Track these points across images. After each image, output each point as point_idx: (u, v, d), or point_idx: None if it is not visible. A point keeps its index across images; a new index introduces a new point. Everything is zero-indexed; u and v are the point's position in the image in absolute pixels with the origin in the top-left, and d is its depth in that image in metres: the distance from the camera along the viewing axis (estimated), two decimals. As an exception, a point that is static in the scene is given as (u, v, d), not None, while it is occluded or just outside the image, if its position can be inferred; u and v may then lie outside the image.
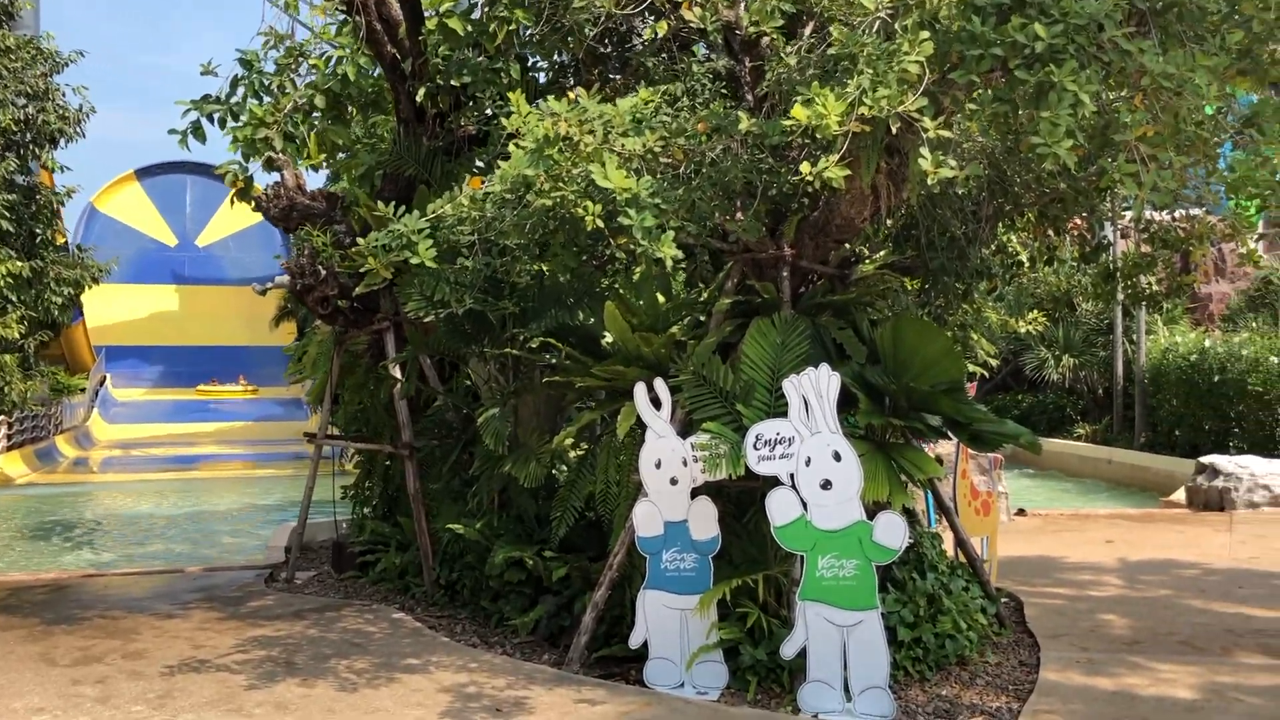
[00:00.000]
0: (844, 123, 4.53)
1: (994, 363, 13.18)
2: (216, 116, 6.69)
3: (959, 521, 7.38)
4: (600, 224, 5.19)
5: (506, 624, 7.21)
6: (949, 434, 6.43)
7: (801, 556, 5.59)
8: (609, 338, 7.22)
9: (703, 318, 7.20)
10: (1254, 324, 25.28)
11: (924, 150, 4.67)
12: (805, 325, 6.64)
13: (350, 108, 9.73)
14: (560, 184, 5.06)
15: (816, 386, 5.57)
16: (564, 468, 7.80)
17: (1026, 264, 8.93)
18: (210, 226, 44.64)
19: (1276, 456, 15.72)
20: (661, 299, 7.47)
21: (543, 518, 7.43)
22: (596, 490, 6.89)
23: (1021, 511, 13.02)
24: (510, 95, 5.23)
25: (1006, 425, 6.45)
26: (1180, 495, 13.89)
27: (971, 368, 12.94)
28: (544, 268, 7.35)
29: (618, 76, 8.23)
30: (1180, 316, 25.00)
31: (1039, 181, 7.09)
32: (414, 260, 5.24)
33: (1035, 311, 14.23)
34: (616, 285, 8.06)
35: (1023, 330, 13.17)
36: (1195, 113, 5.16)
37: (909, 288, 8.94)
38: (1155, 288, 8.69)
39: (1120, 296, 8.97)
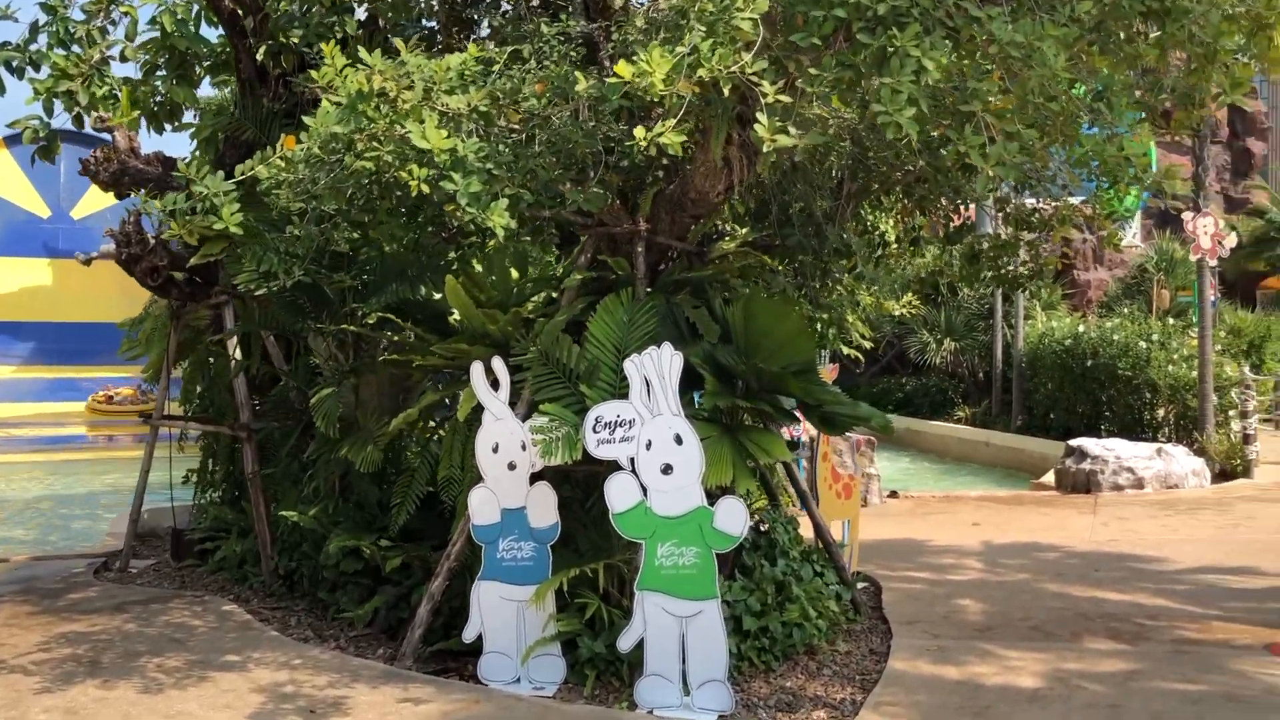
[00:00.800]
0: (673, 83, 4.22)
1: (869, 345, 13.11)
2: (15, 64, 6.09)
3: (815, 505, 7.20)
4: (426, 189, 4.81)
5: (343, 616, 6.80)
6: (798, 416, 6.23)
7: (642, 544, 5.32)
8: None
9: (555, 294, 6.87)
10: (1129, 311, 26.01)
11: (760, 116, 4.39)
12: (657, 303, 6.36)
13: (198, 67, 9.16)
14: (378, 144, 4.66)
15: (659, 366, 5.29)
16: (413, 452, 7.41)
17: (893, 245, 8.80)
18: (87, 198, 42.56)
19: (1143, 440, 16.11)
20: (515, 274, 7.12)
21: (386, 504, 7.02)
22: (440, 475, 6.53)
23: (894, 494, 13.03)
24: (325, 47, 4.79)
25: (859, 408, 6.27)
26: (1050, 478, 14.07)
27: (847, 350, 12.88)
28: (400, 238, 6.93)
29: (486, 40, 7.83)
30: (1058, 302, 25.57)
31: (898, 158, 6.91)
32: (218, 226, 4.78)
33: (910, 294, 14.27)
34: (470, 258, 7.69)
35: (897, 313, 13.08)
36: (1050, 86, 5.00)
37: (781, 268, 8.77)
38: (1020, 271, 8.63)
39: (985, 279, 8.88)
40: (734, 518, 5.20)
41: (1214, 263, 14.48)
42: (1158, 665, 5.91)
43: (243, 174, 4.97)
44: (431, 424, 7.55)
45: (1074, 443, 13.84)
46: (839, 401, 6.11)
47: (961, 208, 8.66)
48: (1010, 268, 8.58)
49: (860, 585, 7.95)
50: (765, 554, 6.40)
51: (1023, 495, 13.22)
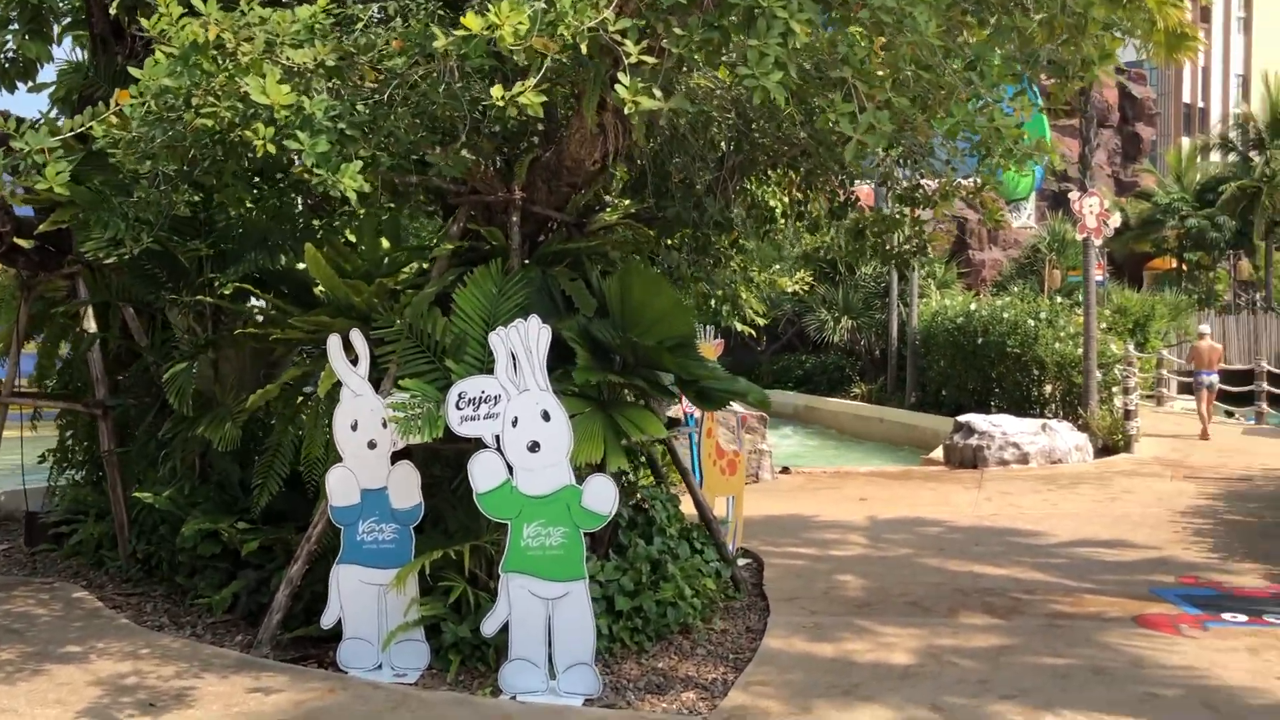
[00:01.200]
0: (526, 38, 3.99)
1: (764, 322, 13.07)
2: None
3: (696, 482, 7.07)
4: (273, 150, 4.50)
5: (201, 602, 6.46)
6: (676, 392, 6.08)
7: (508, 525, 5.12)
8: (325, 286, 6.52)
9: (427, 266, 6.61)
10: (1017, 289, 26.61)
11: (622, 76, 4.19)
12: (532, 275, 6.15)
13: (55, 23, 8.62)
14: (215, 100, 4.33)
15: (525, 340, 5.08)
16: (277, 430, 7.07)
17: (781, 220, 8.71)
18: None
19: (1032, 416, 16.44)
20: (386, 244, 6.82)
21: (249, 484, 6.69)
22: (303, 455, 6.24)
23: (786, 469, 13.05)
24: (160, -7, 4.44)
25: (737, 383, 6.16)
26: (939, 453, 14.26)
27: (741, 327, 12.82)
28: (248, 203, 6.57)
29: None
30: (953, 281, 26.03)
31: (779, 129, 6.79)
32: (41, 186, 4.41)
33: (804, 272, 14.27)
34: (343, 227, 7.36)
35: (790, 289, 13.06)
36: (923, 54, 4.90)
37: (672, 242, 8.62)
38: (905, 247, 8.62)
39: (870, 255, 8.85)
40: (603, 496, 5.03)
41: (1099, 242, 14.79)
42: (1029, 639, 5.93)
43: (71, 130, 4.59)
44: (301, 400, 7.23)
45: (962, 419, 14.04)
46: (715, 377, 5.98)
47: (854, 184, 8.63)
48: (895, 244, 8.57)
49: (743, 562, 7.89)
50: (642, 532, 6.26)
51: (912, 471, 13.36)
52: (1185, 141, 43.38)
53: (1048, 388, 16.63)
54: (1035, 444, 13.29)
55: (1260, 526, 9.16)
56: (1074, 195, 14.64)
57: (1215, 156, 39.44)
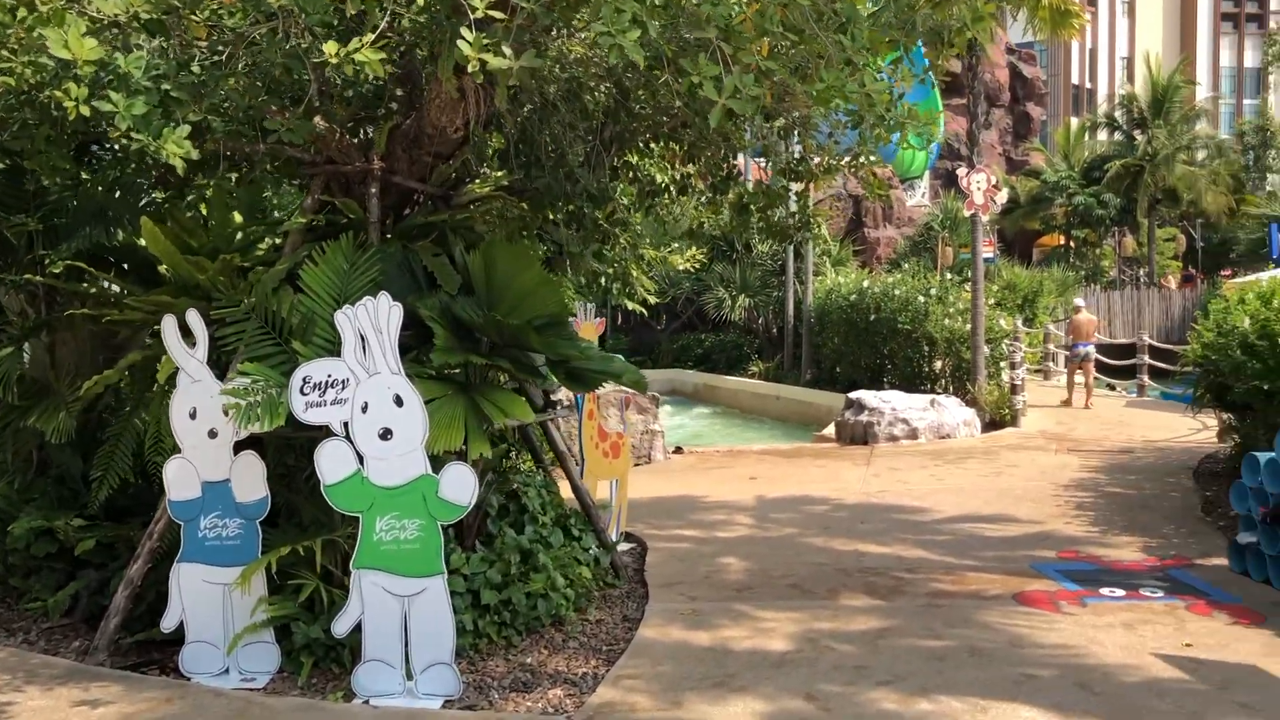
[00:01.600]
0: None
1: (655, 300, 12.86)
2: None
3: (573, 466, 6.81)
4: (86, 112, 4.08)
5: (35, 606, 5.98)
6: (545, 373, 5.79)
7: (359, 519, 4.78)
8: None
9: (279, 241, 6.20)
10: (908, 266, 26.92)
11: (466, 32, 3.88)
12: (392, 251, 5.81)
13: None
14: (11, 55, 3.89)
15: (375, 319, 4.74)
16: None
17: (666, 195, 8.47)
18: None
19: (923, 392, 16.58)
20: (238, 218, 6.38)
21: (92, 478, 6.21)
22: (146, 445, 5.79)
23: (679, 449, 12.89)
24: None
25: (611, 363, 5.90)
26: (831, 430, 14.25)
27: (631, 305, 12.60)
28: (82, 174, 6.07)
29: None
30: (848, 259, 26.21)
31: (655, 98, 6.53)
32: None
33: (695, 249, 14.09)
34: (191, 199, 6.88)
35: (681, 267, 12.86)
36: (794, 17, 4.68)
37: (556, 216, 8.32)
38: (789, 222, 8.46)
39: (755, 229, 8.67)
40: (461, 486, 4.74)
41: (986, 218, 14.92)
42: (909, 621, 5.83)
43: None
44: (155, 387, 6.75)
45: (853, 395, 14.05)
46: (587, 357, 5.72)
47: (736, 158, 8.42)
48: (779, 219, 8.40)
49: (626, 547, 7.67)
50: (513, 520, 5.98)
51: (803, 448, 13.32)
52: (1074, 121, 44.45)
53: (938, 363, 16.80)
54: (924, 419, 13.37)
55: (1139, 498, 9.29)
56: (961, 172, 14.73)
57: (1102, 135, 40.59)
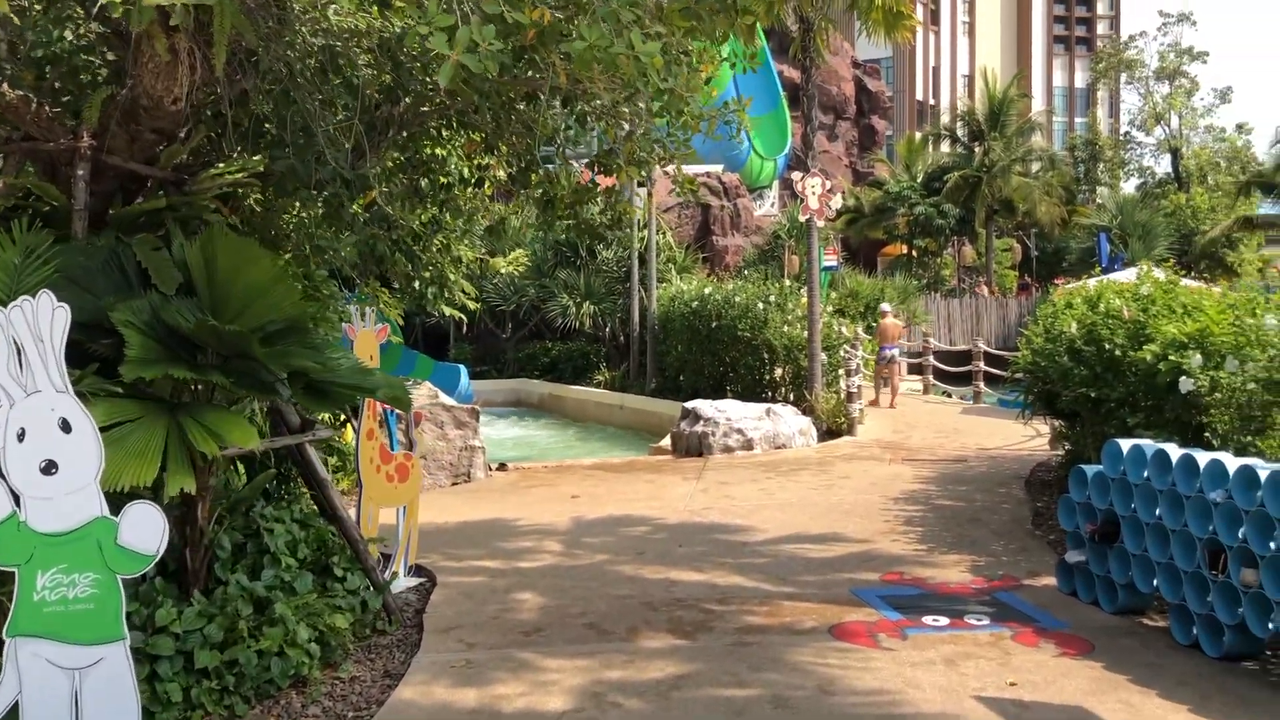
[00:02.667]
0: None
1: (474, 306, 12.00)
2: None
3: (333, 493, 5.91)
4: None
5: None
6: (285, 390, 4.90)
7: (14, 574, 3.82)
8: None
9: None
10: (762, 275, 26.72)
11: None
12: (102, 244, 4.85)
13: None
14: None
15: (34, 325, 3.78)
16: None
17: (467, 187, 7.67)
18: None
19: (764, 400, 16.16)
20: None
21: None
22: None
23: (502, 466, 12.06)
24: None
25: (368, 377, 5.05)
26: (668, 441, 13.65)
27: (449, 311, 11.72)
28: None
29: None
30: (694, 267, 25.82)
31: (425, 71, 5.73)
32: None
33: (519, 251, 13.32)
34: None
35: (504, 270, 12.04)
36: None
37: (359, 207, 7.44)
38: (600, 219, 7.76)
39: (564, 226, 7.93)
40: (146, 530, 3.83)
41: (822, 223, 14.60)
42: (712, 664, 5.16)
43: None
44: None
45: (689, 405, 13.49)
46: (331, 369, 4.85)
47: (540, 149, 7.67)
48: (589, 215, 7.70)
49: (412, 583, 6.82)
50: (252, 563, 5.07)
51: (636, 461, 12.66)
52: (917, 134, 45.46)
53: (778, 371, 16.43)
54: (759, 429, 12.89)
55: (970, 511, 8.92)
56: (796, 176, 14.37)
57: (944, 147, 41.54)
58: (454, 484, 11.18)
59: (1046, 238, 38.60)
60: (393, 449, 7.05)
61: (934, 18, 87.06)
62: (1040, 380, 9.69)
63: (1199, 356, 6.24)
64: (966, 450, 12.55)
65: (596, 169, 7.29)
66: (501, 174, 7.52)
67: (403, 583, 6.83)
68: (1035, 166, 37.25)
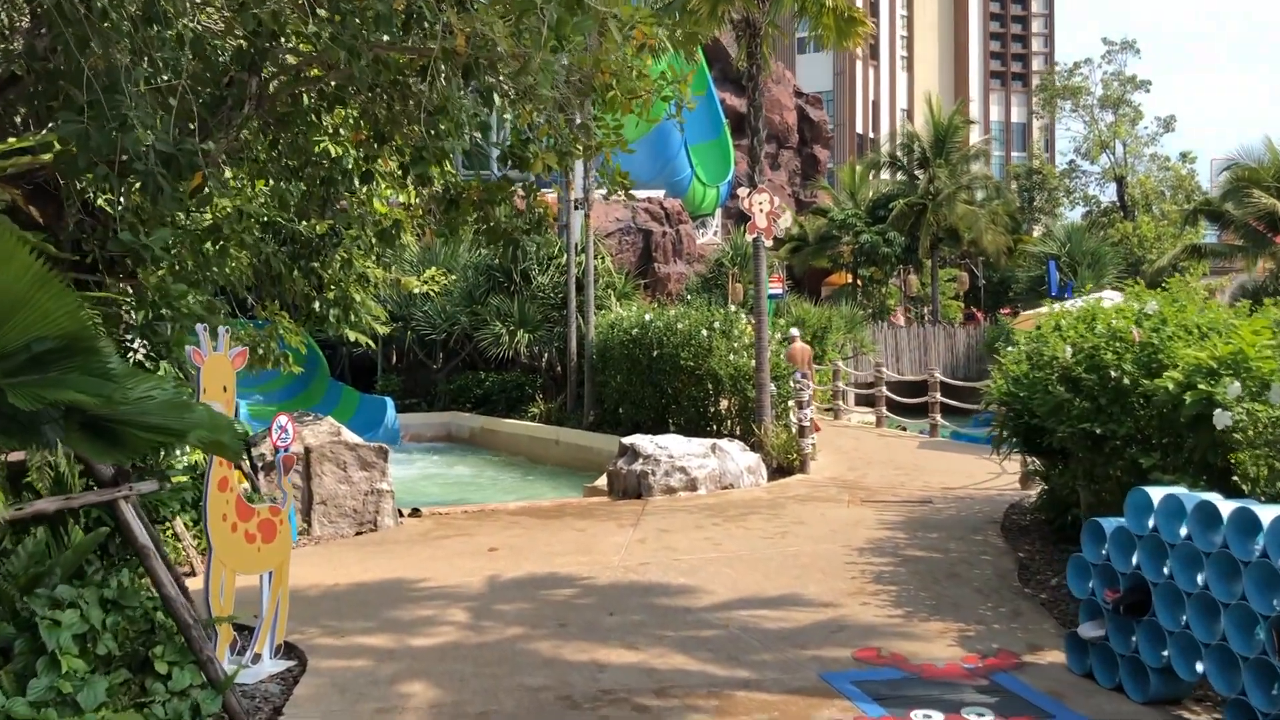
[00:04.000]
0: None
1: (384, 330, 10.68)
2: None
3: (156, 564, 4.56)
4: None
5: None
6: (56, 436, 3.58)
7: None
8: None
9: None
10: (704, 303, 25.66)
11: None
12: None
13: None
14: None
15: None
16: None
17: (347, 180, 6.42)
18: None
19: (709, 434, 14.98)
20: None
21: None
22: None
23: (415, 512, 10.70)
24: None
25: (181, 416, 3.74)
26: (604, 481, 12.40)
27: (354, 336, 10.39)
28: None
29: None
30: (634, 293, 24.66)
31: (281, 34, 4.50)
32: None
33: (435, 269, 12.04)
34: None
35: (419, 289, 10.74)
36: None
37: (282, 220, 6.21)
38: (516, 224, 6.54)
39: (475, 231, 6.69)
40: None
41: (770, 243, 13.50)
42: (646, 791, 3.91)
43: None
44: None
45: (627, 441, 12.24)
46: (126, 403, 3.54)
47: (444, 138, 6.42)
48: (504, 219, 6.47)
49: (280, 668, 5.49)
50: (22, 669, 3.73)
51: (568, 504, 11.37)
52: (873, 149, 45.06)
53: (724, 403, 15.29)
54: (705, 468, 11.69)
55: (946, 563, 7.77)
56: (742, 192, 13.28)
57: (885, 175, 41.02)
58: (358, 533, 9.82)
59: (993, 267, 38.10)
60: (255, 501, 5.74)
61: (873, 52, 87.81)
62: (1018, 414, 8.64)
63: (1236, 385, 5.15)
64: (930, 489, 11.45)
65: (510, 163, 6.09)
66: (393, 165, 6.26)
67: (265, 668, 5.50)
68: (980, 195, 36.77)
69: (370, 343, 10.64)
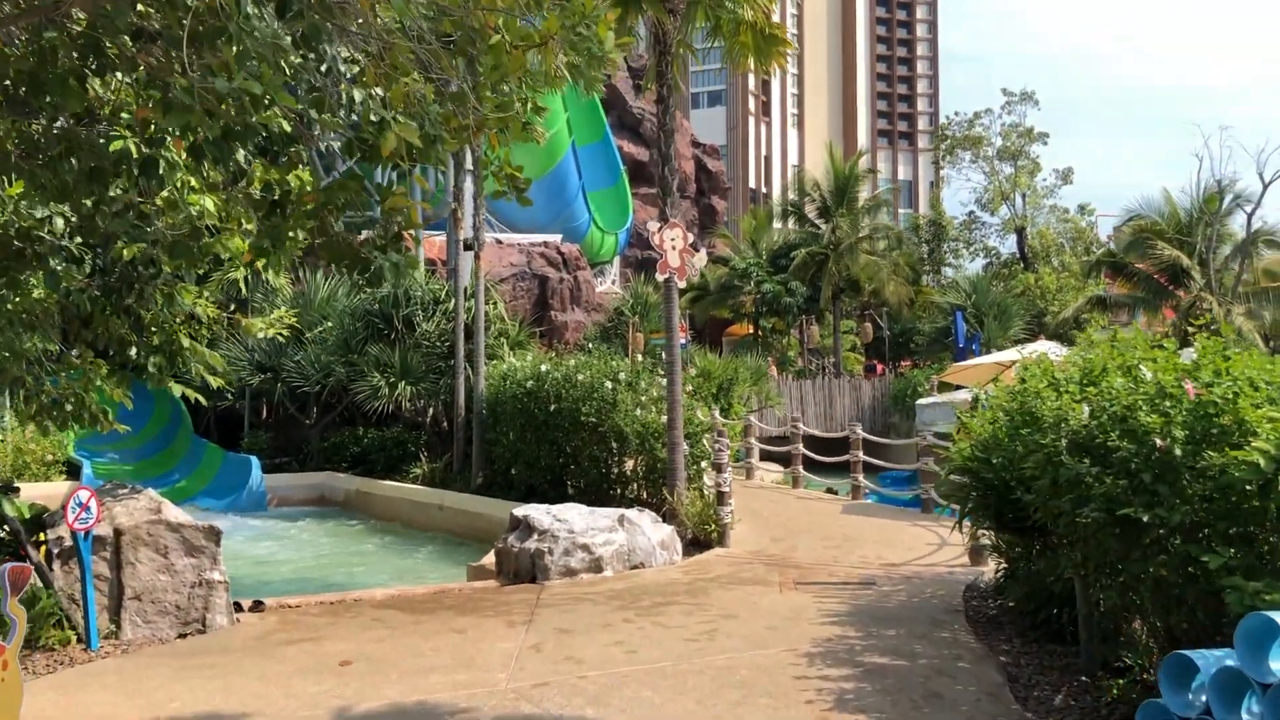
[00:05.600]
0: None
1: (217, 383, 8.72)
2: None
3: None
4: None
5: None
6: None
7: None
8: None
9: None
10: (603, 353, 24.10)
11: None
12: None
13: None
14: None
15: None
16: None
17: (127, 172, 4.63)
18: None
19: (611, 499, 13.30)
20: None
21: None
22: None
23: (259, 605, 8.71)
24: None
25: None
26: (492, 558, 10.58)
27: (177, 391, 8.43)
28: None
29: None
30: (529, 342, 22.90)
31: None
32: None
33: (283, 310, 10.17)
34: None
35: (264, 333, 8.85)
36: None
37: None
38: (372, 239, 4.82)
39: (303, 247, 4.96)
40: None
41: (683, 283, 11.97)
42: None
43: None
44: None
45: (519, 512, 10.46)
46: None
47: (264, 111, 4.67)
48: (346, 230, 4.74)
49: None
50: None
51: (447, 591, 9.48)
52: (766, 204, 44.44)
53: (629, 463, 13.62)
54: (611, 544, 9.97)
55: (918, 676, 6.21)
56: (653, 227, 11.75)
57: (784, 225, 40.26)
58: (182, 635, 7.83)
59: (894, 318, 37.48)
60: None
61: (765, 109, 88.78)
62: (986, 485, 7.21)
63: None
64: (869, 565, 9.96)
65: (356, 152, 4.39)
66: (181, 153, 4.49)
67: None
68: (881, 245, 36.20)
69: (198, 396, 8.66)
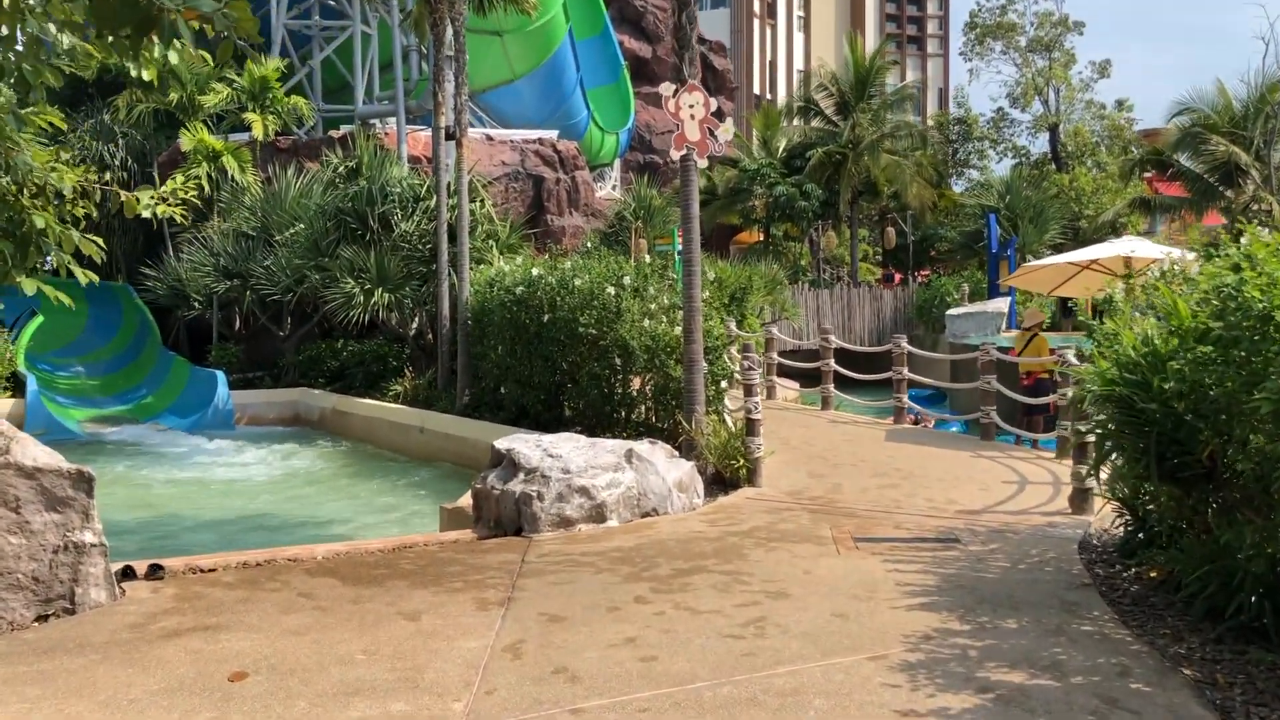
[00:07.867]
0: None
1: (85, 277, 6.49)
2: None
3: None
4: None
5: None
6: None
7: None
8: None
9: None
10: (603, 253, 21.76)
11: None
12: None
13: None
14: None
15: None
16: None
17: None
18: None
19: (614, 426, 11.25)
20: None
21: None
22: None
23: (156, 571, 6.63)
24: None
25: None
26: (469, 499, 8.52)
27: (30, 287, 6.25)
28: None
29: None
30: (521, 246, 20.60)
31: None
32: None
33: (180, 177, 7.78)
34: None
35: (148, 211, 6.56)
36: None
37: None
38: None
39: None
40: None
41: (704, 161, 9.67)
42: None
43: None
44: None
45: (502, 444, 8.36)
46: None
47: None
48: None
49: None
50: None
51: (406, 549, 7.38)
52: (781, 96, 41.65)
53: (635, 382, 11.52)
54: (616, 487, 7.90)
55: (1081, 710, 4.15)
56: (667, 89, 9.42)
57: (790, 123, 37.59)
58: (40, 619, 5.78)
59: (916, 224, 35.04)
60: None
61: (770, 11, 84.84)
62: (1141, 420, 5.15)
63: None
64: (940, 512, 7.92)
65: None
66: None
67: None
68: (903, 144, 33.61)
69: (58, 296, 6.45)
